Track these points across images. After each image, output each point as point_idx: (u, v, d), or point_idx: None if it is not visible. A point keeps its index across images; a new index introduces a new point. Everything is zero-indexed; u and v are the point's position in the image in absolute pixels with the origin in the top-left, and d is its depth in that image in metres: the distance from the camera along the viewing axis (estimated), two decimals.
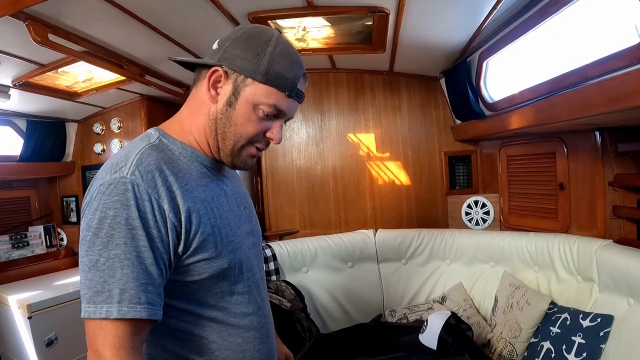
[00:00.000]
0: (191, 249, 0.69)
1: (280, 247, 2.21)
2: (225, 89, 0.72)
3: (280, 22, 1.77)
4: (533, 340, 1.61)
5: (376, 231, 2.36)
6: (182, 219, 0.67)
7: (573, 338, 1.43)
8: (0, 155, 2.50)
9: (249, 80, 0.71)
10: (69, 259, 2.73)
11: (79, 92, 2.39)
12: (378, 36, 1.85)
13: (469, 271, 2.15)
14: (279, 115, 0.74)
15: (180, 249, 0.68)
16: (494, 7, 1.47)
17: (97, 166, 2.78)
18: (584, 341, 1.40)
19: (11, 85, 2.03)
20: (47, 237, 2.72)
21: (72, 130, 2.88)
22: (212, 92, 0.73)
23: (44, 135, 2.66)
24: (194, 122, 0.76)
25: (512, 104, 1.81)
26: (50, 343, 2.03)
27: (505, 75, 1.95)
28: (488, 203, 2.39)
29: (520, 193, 2.19)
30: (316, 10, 1.60)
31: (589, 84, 1.26)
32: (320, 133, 2.61)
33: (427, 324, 1.62)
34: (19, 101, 2.24)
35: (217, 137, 0.74)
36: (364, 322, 2.01)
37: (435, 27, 1.78)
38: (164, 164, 0.69)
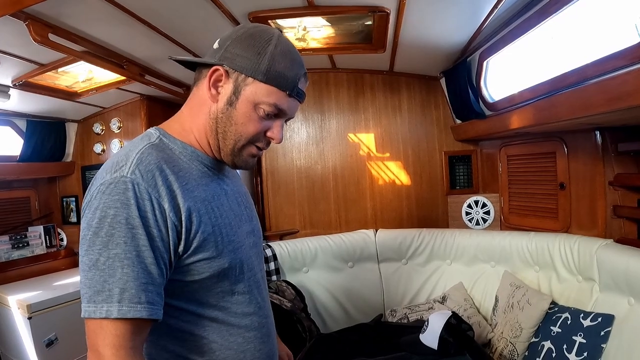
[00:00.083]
0: (192, 248, 0.68)
1: (281, 247, 2.21)
2: (226, 88, 0.72)
3: (280, 21, 1.77)
4: (534, 339, 1.61)
5: (376, 231, 2.36)
6: (183, 219, 0.67)
7: (574, 337, 1.43)
8: (0, 155, 2.50)
9: (250, 79, 0.71)
10: (69, 259, 2.73)
11: (79, 92, 2.39)
12: (378, 36, 1.85)
13: (470, 271, 2.15)
14: (279, 114, 0.74)
15: (181, 248, 0.68)
16: (495, 7, 1.47)
17: (97, 166, 2.78)
18: (584, 341, 1.40)
19: (11, 85, 2.03)
20: (47, 238, 2.72)
21: (72, 130, 2.88)
22: (213, 91, 0.73)
23: (44, 135, 2.66)
24: (195, 121, 0.76)
25: (512, 103, 1.81)
26: (50, 343, 2.02)
27: (506, 75, 1.95)
28: (488, 203, 2.39)
29: (520, 193, 2.19)
30: (316, 10, 1.60)
31: (589, 84, 1.25)
32: (320, 133, 2.61)
33: (427, 324, 1.62)
34: (19, 101, 2.24)
35: (217, 137, 0.74)
36: (365, 322, 2.01)
37: (435, 27, 1.78)
38: (165, 163, 0.69)
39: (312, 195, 2.61)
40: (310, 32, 1.91)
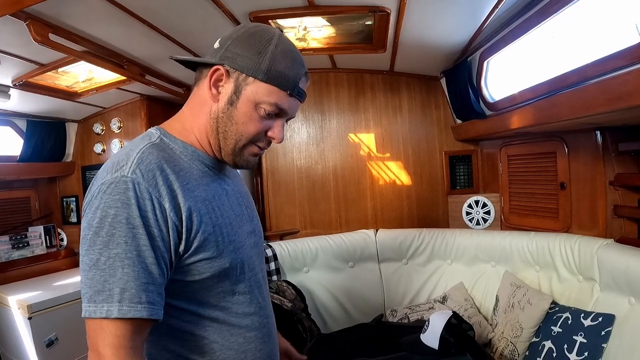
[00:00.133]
0: (192, 248, 0.68)
1: (281, 247, 2.21)
2: (227, 88, 0.72)
3: (281, 21, 1.77)
4: (534, 339, 1.61)
5: (377, 231, 2.36)
6: (183, 218, 0.67)
7: (574, 337, 1.43)
8: (0, 155, 2.50)
9: (251, 79, 0.70)
10: (69, 260, 2.73)
11: (79, 92, 2.39)
12: (379, 36, 1.85)
13: (470, 271, 2.15)
14: (280, 114, 0.74)
15: (181, 248, 0.67)
16: (495, 7, 1.47)
17: (97, 166, 2.78)
18: (585, 340, 1.40)
19: (11, 85, 2.03)
20: (47, 238, 2.72)
21: (72, 130, 2.88)
22: (214, 91, 0.73)
23: (44, 135, 2.66)
24: (195, 121, 0.76)
25: (512, 103, 1.81)
26: (50, 343, 2.02)
27: (506, 75, 1.95)
28: (489, 203, 2.38)
29: (521, 193, 2.18)
30: (317, 10, 1.60)
31: (589, 84, 1.25)
32: (320, 133, 2.60)
33: (428, 324, 1.61)
34: (19, 101, 2.24)
35: (218, 136, 0.74)
36: (365, 322, 2.01)
37: (436, 27, 1.78)
38: (165, 162, 0.68)
39: (313, 195, 2.60)
40: (310, 32, 1.91)
